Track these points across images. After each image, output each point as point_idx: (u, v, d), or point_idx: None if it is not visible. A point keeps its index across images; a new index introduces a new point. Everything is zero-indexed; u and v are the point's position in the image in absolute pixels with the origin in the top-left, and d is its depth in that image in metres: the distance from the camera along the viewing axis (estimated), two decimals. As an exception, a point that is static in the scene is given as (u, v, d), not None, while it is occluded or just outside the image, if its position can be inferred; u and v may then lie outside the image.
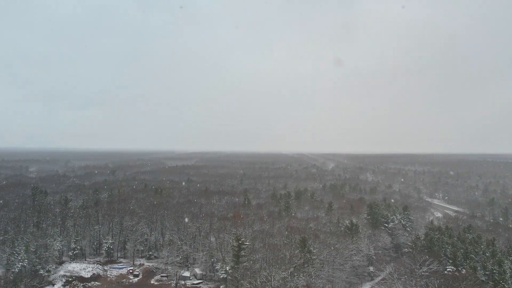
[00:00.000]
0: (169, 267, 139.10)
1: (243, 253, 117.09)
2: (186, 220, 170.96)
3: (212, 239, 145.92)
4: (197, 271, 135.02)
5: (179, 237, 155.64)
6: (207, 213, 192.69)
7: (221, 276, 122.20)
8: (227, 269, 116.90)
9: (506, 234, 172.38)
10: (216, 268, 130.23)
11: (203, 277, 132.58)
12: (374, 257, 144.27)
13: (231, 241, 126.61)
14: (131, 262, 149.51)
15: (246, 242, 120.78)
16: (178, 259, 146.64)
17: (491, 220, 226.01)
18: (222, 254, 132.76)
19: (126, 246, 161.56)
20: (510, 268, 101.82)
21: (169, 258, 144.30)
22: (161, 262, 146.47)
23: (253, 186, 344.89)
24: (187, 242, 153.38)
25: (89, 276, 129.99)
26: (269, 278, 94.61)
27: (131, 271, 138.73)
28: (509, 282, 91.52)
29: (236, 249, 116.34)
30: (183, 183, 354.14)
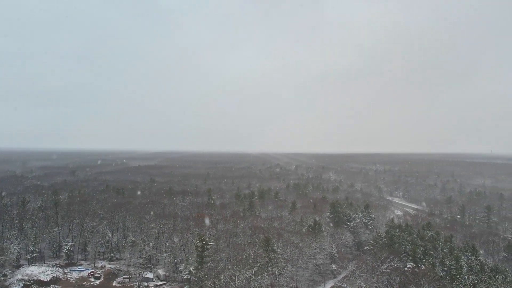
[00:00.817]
0: (132, 269, 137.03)
1: (207, 253, 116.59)
2: (149, 220, 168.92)
3: (176, 239, 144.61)
4: (160, 272, 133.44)
5: (141, 238, 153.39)
6: (171, 214, 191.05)
7: (185, 277, 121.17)
8: (191, 269, 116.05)
9: (463, 231, 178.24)
10: (179, 268, 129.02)
11: (166, 278, 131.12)
12: (336, 255, 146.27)
13: (194, 241, 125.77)
14: (92, 264, 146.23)
15: (210, 242, 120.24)
16: (140, 260, 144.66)
17: (449, 218, 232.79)
18: (185, 255, 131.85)
19: (87, 248, 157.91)
20: (466, 263, 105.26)
21: (132, 260, 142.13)
22: (123, 264, 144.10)
23: (217, 186, 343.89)
24: (150, 243, 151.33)
25: (48, 279, 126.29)
26: (233, 278, 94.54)
27: (92, 273, 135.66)
28: (466, 277, 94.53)
29: (200, 249, 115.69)
30: (146, 183, 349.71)
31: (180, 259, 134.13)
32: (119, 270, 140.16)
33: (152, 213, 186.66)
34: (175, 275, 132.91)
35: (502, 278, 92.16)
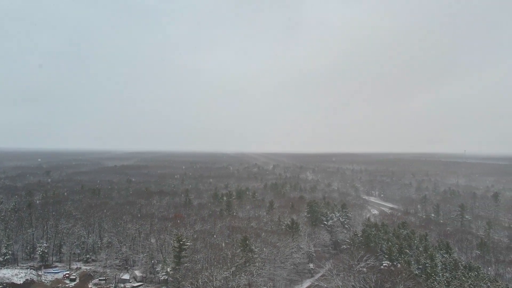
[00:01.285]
0: (108, 270, 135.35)
1: (185, 254, 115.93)
2: (125, 221, 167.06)
3: (153, 240, 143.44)
4: (137, 273, 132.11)
5: (118, 239, 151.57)
6: (148, 214, 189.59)
7: (162, 278, 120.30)
8: (168, 270, 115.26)
9: (437, 229, 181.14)
10: (156, 269, 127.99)
11: (143, 279, 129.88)
12: (314, 254, 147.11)
13: (172, 242, 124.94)
14: (68, 266, 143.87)
15: (188, 242, 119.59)
16: (117, 261, 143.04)
17: (424, 216, 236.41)
18: (163, 255, 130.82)
19: (62, 250, 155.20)
20: (441, 261, 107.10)
21: (108, 261, 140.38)
22: (99, 265, 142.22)
23: (195, 186, 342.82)
24: (127, 244, 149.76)
25: (21, 282, 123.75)
26: (211, 278, 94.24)
27: (67, 275, 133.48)
28: (440, 274, 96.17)
29: (177, 250, 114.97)
30: (123, 184, 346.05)
31: (157, 260, 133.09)
32: (95, 271, 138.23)
33: (129, 213, 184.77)
34: (152, 276, 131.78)
35: (475, 275, 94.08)
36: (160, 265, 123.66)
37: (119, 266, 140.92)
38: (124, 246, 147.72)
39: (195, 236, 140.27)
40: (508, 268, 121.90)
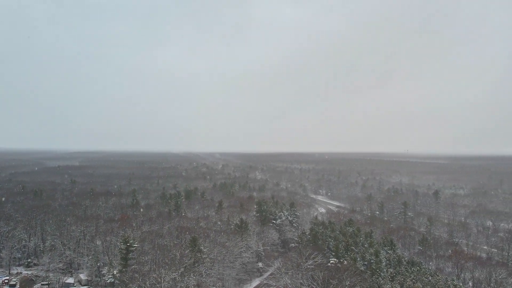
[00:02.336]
0: (51, 274, 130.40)
1: (132, 256, 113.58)
2: (70, 223, 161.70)
3: (98, 242, 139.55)
4: (82, 276, 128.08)
5: (61, 242, 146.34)
6: (93, 216, 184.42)
7: (108, 281, 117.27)
8: (115, 273, 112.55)
9: (381, 226, 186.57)
10: (102, 272, 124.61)
11: (88, 283, 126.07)
12: (263, 253, 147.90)
13: (118, 243, 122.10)
14: (7, 271, 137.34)
15: (135, 244, 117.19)
16: (60, 265, 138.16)
17: (369, 214, 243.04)
18: (109, 258, 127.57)
19: (1, 254, 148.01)
20: (385, 257, 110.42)
21: (51, 265, 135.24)
22: (41, 270, 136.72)
23: (142, 187, 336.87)
24: (71, 247, 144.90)
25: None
26: (159, 279, 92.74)
27: (6, 281, 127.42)
28: (385, 270, 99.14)
29: (124, 251, 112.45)
30: (66, 185, 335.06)
31: (103, 263, 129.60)
32: (37, 276, 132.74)
33: (73, 215, 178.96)
34: (98, 279, 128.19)
35: (417, 270, 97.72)
36: (106, 267, 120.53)
37: (63, 270, 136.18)
38: (68, 249, 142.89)
39: (143, 237, 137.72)
40: (448, 263, 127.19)
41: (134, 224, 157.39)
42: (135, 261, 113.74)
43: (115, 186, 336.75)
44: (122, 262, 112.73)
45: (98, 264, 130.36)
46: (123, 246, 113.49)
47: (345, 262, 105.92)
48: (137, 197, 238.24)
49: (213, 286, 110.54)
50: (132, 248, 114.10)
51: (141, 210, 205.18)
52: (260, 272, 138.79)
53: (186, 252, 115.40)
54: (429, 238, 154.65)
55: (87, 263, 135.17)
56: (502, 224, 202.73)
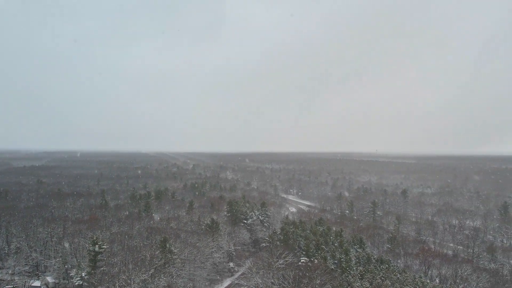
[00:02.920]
0: (16, 278, 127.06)
1: (101, 257, 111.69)
2: (36, 225, 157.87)
3: (66, 244, 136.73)
4: (49, 279, 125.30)
5: (27, 244, 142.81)
6: (60, 217, 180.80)
7: (76, 283, 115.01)
8: (83, 275, 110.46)
9: (351, 225, 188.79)
10: (70, 275, 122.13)
11: (56, 286, 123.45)
12: (234, 253, 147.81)
13: (87, 245, 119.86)
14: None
15: (104, 245, 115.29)
16: (26, 268, 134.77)
17: (339, 213, 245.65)
18: (77, 260, 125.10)
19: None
20: (355, 256, 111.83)
21: (16, 268, 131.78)
22: (6, 273, 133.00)
23: (111, 187, 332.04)
24: (37, 249, 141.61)
25: None
26: (129, 281, 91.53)
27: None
28: (354, 268, 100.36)
29: (93, 253, 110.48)
30: (33, 185, 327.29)
31: (71, 265, 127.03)
32: (1, 279, 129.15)
33: (39, 216, 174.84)
34: (66, 281, 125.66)
35: (386, 267, 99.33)
36: (74, 270, 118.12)
37: (29, 273, 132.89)
38: (35, 252, 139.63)
39: (112, 238, 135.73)
40: (416, 260, 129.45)
41: (103, 225, 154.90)
42: (104, 262, 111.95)
43: (84, 187, 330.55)
44: (90, 264, 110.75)
45: (66, 266, 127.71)
46: (91, 248, 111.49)
47: (316, 261, 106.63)
48: (106, 198, 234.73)
49: (183, 287, 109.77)
50: (101, 250, 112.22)
51: (111, 210, 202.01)
52: (231, 272, 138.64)
53: (157, 253, 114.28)
54: (397, 236, 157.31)
55: (55, 265, 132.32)
56: (468, 222, 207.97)
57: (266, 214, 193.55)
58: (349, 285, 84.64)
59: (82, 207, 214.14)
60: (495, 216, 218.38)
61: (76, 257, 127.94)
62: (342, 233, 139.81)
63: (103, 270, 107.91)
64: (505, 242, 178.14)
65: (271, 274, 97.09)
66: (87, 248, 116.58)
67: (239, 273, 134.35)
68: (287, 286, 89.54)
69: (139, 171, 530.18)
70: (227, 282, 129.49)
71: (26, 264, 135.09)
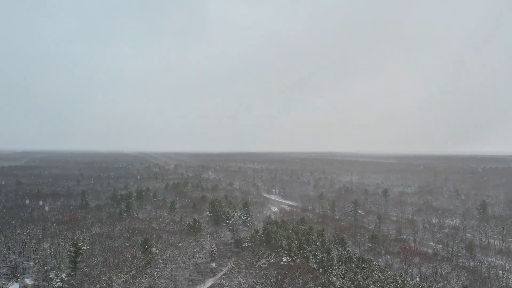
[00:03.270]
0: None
1: (81, 259, 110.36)
2: (14, 226, 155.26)
3: (46, 245, 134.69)
4: (28, 281, 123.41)
5: (6, 246, 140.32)
6: (40, 218, 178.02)
7: (56, 285, 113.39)
8: (63, 276, 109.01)
9: (333, 225, 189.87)
10: (50, 276, 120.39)
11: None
12: (216, 253, 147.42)
13: (67, 246, 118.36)
14: None
15: (84, 246, 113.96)
16: (4, 270, 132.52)
17: (321, 212, 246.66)
18: (57, 261, 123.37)
19: None
20: (336, 255, 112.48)
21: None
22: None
23: (92, 187, 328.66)
24: (16, 251, 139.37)
25: None
26: (109, 282, 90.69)
27: None
28: (336, 267, 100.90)
29: (73, 254, 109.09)
30: (11, 186, 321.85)
31: (51, 266, 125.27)
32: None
33: (18, 217, 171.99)
34: (45, 283, 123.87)
35: (367, 266, 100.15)
36: (54, 271, 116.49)
37: (7, 275, 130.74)
38: (13, 253, 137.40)
39: (93, 239, 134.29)
40: (396, 259, 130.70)
41: (83, 226, 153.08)
42: (84, 263, 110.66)
43: (64, 187, 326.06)
44: (70, 265, 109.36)
45: (45, 268, 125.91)
46: (71, 249, 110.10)
47: (298, 260, 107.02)
48: (86, 198, 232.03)
49: (165, 287, 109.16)
50: (81, 251, 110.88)
51: (91, 211, 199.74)
52: (213, 272, 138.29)
53: (138, 253, 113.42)
54: (378, 235, 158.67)
55: (34, 267, 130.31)
56: (447, 220, 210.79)
57: (248, 214, 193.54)
58: (331, 284, 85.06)
59: (62, 208, 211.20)
60: (474, 215, 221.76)
61: (56, 259, 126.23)
62: (324, 232, 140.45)
63: (84, 271, 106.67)
64: (484, 240, 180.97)
65: (254, 273, 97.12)
66: (67, 249, 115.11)
67: (222, 273, 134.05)
68: (269, 286, 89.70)
69: (120, 171, 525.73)
70: (209, 282, 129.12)
71: (4, 266, 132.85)
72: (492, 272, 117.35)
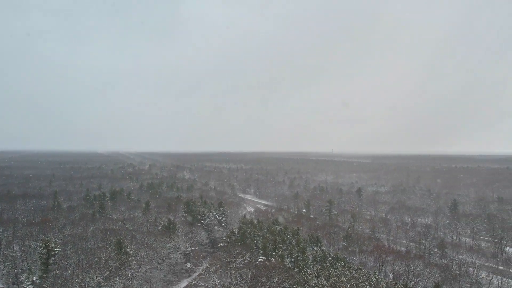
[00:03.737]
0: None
1: (53, 261, 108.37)
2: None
3: (16, 247, 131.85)
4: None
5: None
6: (10, 219, 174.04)
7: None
8: (34, 279, 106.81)
9: (308, 224, 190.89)
10: (21, 279, 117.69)
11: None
12: (191, 253, 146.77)
13: (38, 248, 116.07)
14: None
15: (56, 248, 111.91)
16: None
17: (296, 212, 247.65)
18: (28, 264, 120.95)
19: None
20: (311, 254, 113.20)
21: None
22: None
23: (64, 188, 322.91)
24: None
25: None
26: (83, 284, 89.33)
27: None
28: (311, 266, 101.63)
29: (45, 256, 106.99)
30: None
31: (21, 269, 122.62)
32: None
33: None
34: (16, 286, 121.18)
35: (342, 265, 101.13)
36: (25, 274, 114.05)
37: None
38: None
39: (65, 241, 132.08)
40: (370, 257, 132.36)
41: (55, 227, 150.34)
42: (56, 266, 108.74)
43: (35, 188, 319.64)
44: (42, 268, 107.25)
45: (16, 270, 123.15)
46: (43, 251, 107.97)
47: (273, 260, 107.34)
48: (58, 199, 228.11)
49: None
50: (53, 253, 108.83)
51: (63, 212, 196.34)
52: (188, 273, 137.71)
53: (112, 255, 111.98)
54: (352, 234, 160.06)
55: (3, 270, 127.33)
56: (420, 219, 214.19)
57: (224, 214, 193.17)
58: (306, 283, 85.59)
59: (33, 209, 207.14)
60: (445, 213, 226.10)
61: (26, 261, 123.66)
62: (299, 231, 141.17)
63: (56, 273, 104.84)
64: (455, 238, 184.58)
65: (229, 274, 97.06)
66: (39, 251, 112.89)
67: (197, 273, 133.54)
68: (244, 285, 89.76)
69: (94, 172, 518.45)
70: (185, 283, 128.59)
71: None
72: (463, 269, 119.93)
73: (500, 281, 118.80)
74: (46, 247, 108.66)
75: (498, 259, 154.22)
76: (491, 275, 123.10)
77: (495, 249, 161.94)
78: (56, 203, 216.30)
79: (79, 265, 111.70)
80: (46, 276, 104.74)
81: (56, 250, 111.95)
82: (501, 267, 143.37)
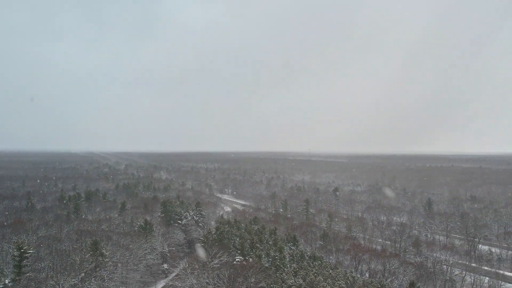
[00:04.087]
0: None
1: (26, 263, 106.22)
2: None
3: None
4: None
5: None
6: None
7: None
8: (7, 282, 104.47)
9: (285, 223, 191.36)
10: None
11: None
12: (168, 254, 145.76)
13: (11, 250, 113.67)
14: None
15: (30, 250, 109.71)
16: None
17: (273, 212, 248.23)
18: (0, 266, 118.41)
19: None
20: (289, 253, 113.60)
21: None
22: None
23: (38, 189, 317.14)
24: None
25: None
26: (57, 286, 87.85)
27: None
28: (288, 265, 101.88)
29: (18, 258, 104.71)
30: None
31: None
32: None
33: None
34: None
35: (319, 264, 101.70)
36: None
37: None
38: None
39: (39, 242, 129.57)
40: (347, 256, 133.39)
41: (29, 229, 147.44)
42: (30, 268, 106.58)
43: (7, 189, 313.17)
44: (15, 270, 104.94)
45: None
46: (16, 253, 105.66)
47: (251, 259, 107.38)
48: (32, 200, 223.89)
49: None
50: (26, 255, 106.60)
51: (37, 213, 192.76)
52: (165, 274, 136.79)
53: (87, 256, 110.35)
54: (329, 233, 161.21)
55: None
56: (395, 218, 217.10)
57: (201, 214, 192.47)
58: (283, 282, 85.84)
59: (6, 210, 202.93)
60: (420, 212, 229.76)
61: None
62: (276, 231, 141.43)
63: (29, 276, 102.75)
64: (429, 236, 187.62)
65: (206, 274, 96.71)
66: (11, 253, 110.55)
67: (174, 274, 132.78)
68: (222, 286, 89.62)
69: (68, 172, 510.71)
70: (161, 284, 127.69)
71: None
72: (437, 267, 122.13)
73: (473, 278, 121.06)
74: (19, 249, 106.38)
75: (471, 257, 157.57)
76: (464, 272, 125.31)
77: (468, 247, 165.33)
78: (29, 204, 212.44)
79: (53, 267, 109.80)
80: (19, 279, 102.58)
81: (30, 252, 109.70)
82: (474, 265, 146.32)
